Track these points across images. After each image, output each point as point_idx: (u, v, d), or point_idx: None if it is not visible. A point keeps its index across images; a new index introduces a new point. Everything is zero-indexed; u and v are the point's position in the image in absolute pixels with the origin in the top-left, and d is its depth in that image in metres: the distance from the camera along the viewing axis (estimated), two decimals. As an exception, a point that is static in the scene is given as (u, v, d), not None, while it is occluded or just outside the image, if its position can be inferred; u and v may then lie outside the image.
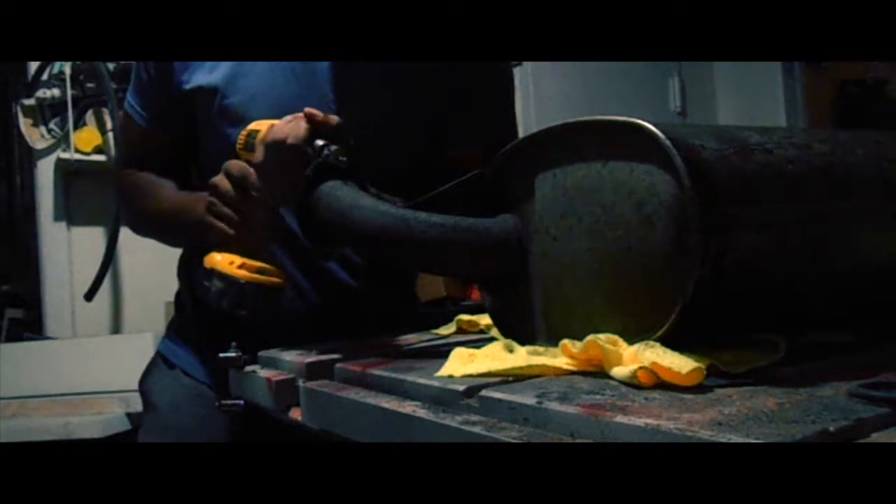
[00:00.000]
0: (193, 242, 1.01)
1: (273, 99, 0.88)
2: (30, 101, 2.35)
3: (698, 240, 0.51)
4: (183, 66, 0.94)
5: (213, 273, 0.78)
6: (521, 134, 1.00)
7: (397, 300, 1.06)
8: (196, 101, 0.94)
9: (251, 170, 0.78)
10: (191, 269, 1.05)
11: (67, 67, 2.32)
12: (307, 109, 0.76)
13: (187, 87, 0.94)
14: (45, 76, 2.36)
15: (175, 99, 0.95)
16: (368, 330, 0.88)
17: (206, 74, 0.93)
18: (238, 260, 0.78)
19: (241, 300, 0.78)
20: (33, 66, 2.37)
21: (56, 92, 2.34)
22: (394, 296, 1.05)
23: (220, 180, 0.80)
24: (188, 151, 1.03)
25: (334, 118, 0.77)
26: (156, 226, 1.03)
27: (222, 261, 0.78)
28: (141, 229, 1.08)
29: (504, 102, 1.05)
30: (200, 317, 1.03)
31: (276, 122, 0.79)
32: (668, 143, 0.53)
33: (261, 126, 0.81)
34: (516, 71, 2.71)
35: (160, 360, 1.07)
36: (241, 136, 0.82)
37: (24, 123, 2.37)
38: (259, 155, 0.77)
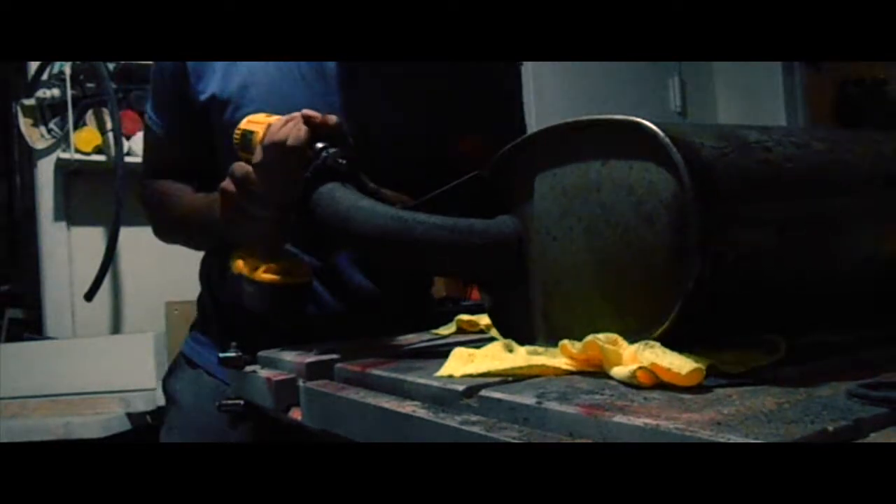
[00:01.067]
0: (219, 243, 1.02)
1: (284, 108, 0.88)
2: (30, 101, 2.36)
3: (698, 238, 0.51)
4: (197, 76, 0.95)
5: (241, 279, 0.79)
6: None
7: (414, 303, 1.06)
8: (211, 110, 0.95)
9: (251, 170, 0.78)
10: (211, 271, 1.05)
11: (67, 67, 2.32)
12: (305, 111, 0.76)
13: (202, 97, 0.95)
14: (45, 76, 2.36)
15: (191, 108, 0.96)
16: (385, 333, 0.89)
17: (218, 84, 0.94)
18: (261, 264, 0.78)
19: (272, 302, 0.78)
20: (33, 66, 2.37)
21: (56, 92, 2.34)
22: (410, 298, 1.05)
23: (227, 184, 0.80)
24: (207, 159, 1.03)
25: (332, 118, 0.77)
26: (180, 232, 1.05)
27: (246, 266, 0.79)
28: (167, 237, 1.10)
29: (509, 99, 1.05)
30: (221, 317, 1.03)
31: (271, 119, 0.79)
32: (667, 141, 0.53)
33: (255, 125, 0.81)
34: (516, 71, 2.70)
35: (183, 360, 1.08)
36: (236, 133, 0.83)
37: (24, 123, 2.37)
38: (258, 156, 0.77)
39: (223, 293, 1.02)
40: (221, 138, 0.96)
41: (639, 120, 0.55)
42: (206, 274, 1.08)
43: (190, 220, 0.98)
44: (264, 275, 0.78)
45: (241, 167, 0.79)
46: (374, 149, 0.88)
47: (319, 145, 0.75)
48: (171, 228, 1.06)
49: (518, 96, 1.07)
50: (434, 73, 0.96)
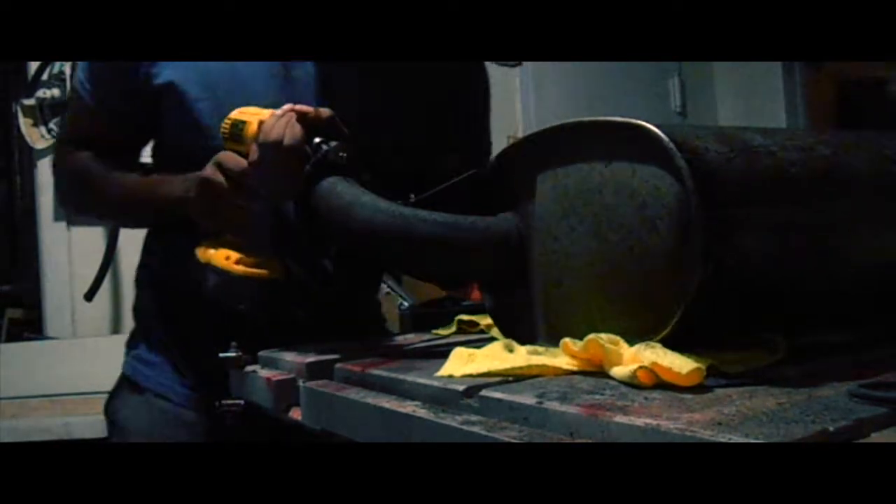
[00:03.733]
0: (156, 223, 0.98)
1: (251, 104, 0.84)
2: (30, 101, 2.35)
3: (701, 243, 0.51)
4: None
5: (208, 268, 0.78)
6: (493, 141, 1.02)
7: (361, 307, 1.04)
8: (166, 96, 0.90)
9: (244, 163, 0.76)
10: (161, 267, 0.99)
11: (67, 67, 2.32)
12: (298, 108, 0.75)
13: (157, 80, 0.89)
14: (45, 76, 2.36)
15: (133, 86, 0.90)
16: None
17: (178, 71, 0.89)
18: (233, 254, 0.78)
19: (238, 295, 0.77)
20: (33, 66, 2.36)
21: (56, 92, 2.33)
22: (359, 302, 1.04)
23: (213, 173, 0.78)
24: (139, 141, 1.00)
25: (325, 111, 0.76)
26: (112, 207, 0.99)
27: (217, 255, 0.78)
28: (91, 211, 1.05)
29: (479, 112, 1.03)
30: (170, 326, 0.98)
31: (262, 114, 0.78)
32: (671, 144, 0.53)
33: (247, 116, 0.79)
34: (516, 71, 2.70)
35: (126, 383, 1.00)
36: (225, 125, 0.80)
37: (24, 123, 2.37)
38: (254, 155, 0.76)
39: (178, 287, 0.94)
40: (173, 125, 0.91)
41: (642, 123, 0.55)
42: (146, 274, 1.02)
43: (130, 197, 0.93)
44: (235, 266, 0.77)
45: (232, 159, 0.77)
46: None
47: (317, 140, 0.75)
48: (100, 204, 1.00)
49: (486, 107, 1.05)
50: (411, 82, 0.94)
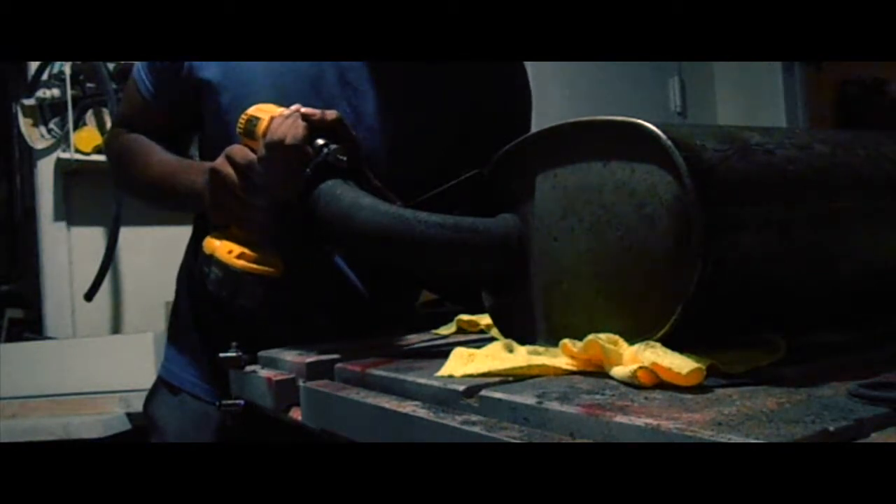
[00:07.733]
0: (182, 210, 1.01)
1: (285, 105, 0.87)
2: (30, 101, 2.35)
3: (699, 240, 0.51)
4: None
5: (212, 260, 0.78)
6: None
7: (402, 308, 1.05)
8: (205, 92, 0.93)
9: (254, 158, 0.78)
10: (193, 272, 1.03)
11: (67, 67, 2.32)
12: (303, 109, 0.76)
13: (199, 74, 0.93)
14: (45, 76, 2.36)
15: (183, 82, 0.94)
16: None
17: (219, 69, 0.92)
18: (237, 249, 0.78)
19: (239, 290, 0.78)
20: (33, 66, 2.37)
21: (56, 92, 2.33)
22: (399, 302, 1.04)
23: (222, 165, 0.79)
24: (186, 133, 1.03)
25: (331, 113, 0.77)
26: (146, 189, 1.01)
27: (221, 248, 0.78)
28: (130, 192, 1.07)
29: (520, 128, 1.04)
30: (202, 328, 1.01)
31: (275, 111, 0.79)
32: (669, 143, 0.53)
33: (262, 113, 0.80)
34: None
35: (162, 384, 1.04)
36: (242, 119, 0.82)
37: (24, 123, 2.37)
38: (261, 151, 0.77)
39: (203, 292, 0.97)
40: (211, 120, 0.94)
41: (640, 122, 0.55)
42: (186, 276, 1.05)
43: (161, 181, 0.94)
44: (237, 260, 0.77)
45: (242, 153, 0.78)
46: (382, 156, 0.88)
47: (320, 142, 0.75)
48: (137, 185, 1.02)
49: (528, 123, 1.04)
50: (442, 92, 0.94)
